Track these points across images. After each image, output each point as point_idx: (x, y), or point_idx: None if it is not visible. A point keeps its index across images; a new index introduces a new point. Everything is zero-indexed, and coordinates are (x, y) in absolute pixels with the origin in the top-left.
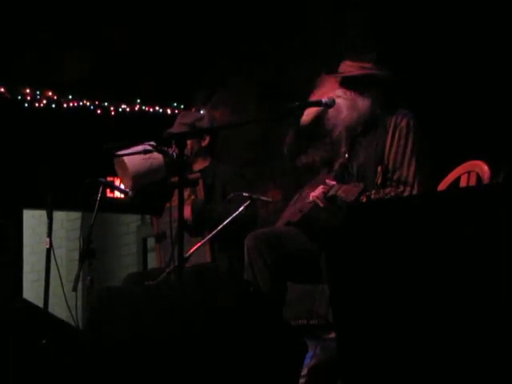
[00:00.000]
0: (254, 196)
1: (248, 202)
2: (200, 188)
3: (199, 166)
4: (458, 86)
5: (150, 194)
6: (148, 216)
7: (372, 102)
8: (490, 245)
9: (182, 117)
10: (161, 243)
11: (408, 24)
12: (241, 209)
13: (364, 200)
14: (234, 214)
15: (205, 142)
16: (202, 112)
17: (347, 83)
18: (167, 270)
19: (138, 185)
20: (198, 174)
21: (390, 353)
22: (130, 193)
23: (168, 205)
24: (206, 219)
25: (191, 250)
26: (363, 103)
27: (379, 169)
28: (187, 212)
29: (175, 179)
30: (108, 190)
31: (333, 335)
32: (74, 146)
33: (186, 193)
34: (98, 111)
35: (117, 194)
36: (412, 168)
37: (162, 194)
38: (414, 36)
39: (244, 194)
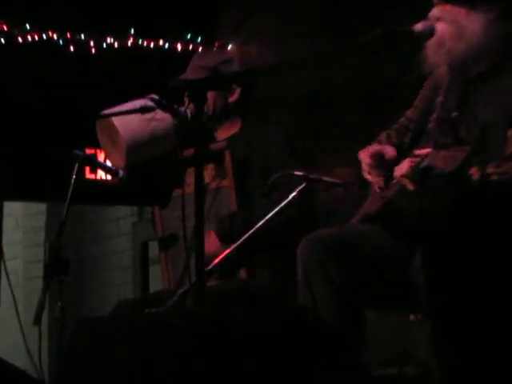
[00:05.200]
0: (311, 176)
1: (303, 186)
2: (228, 165)
3: (225, 133)
4: None
5: (151, 175)
6: (148, 209)
7: (487, 27)
8: None
9: (198, 57)
10: (168, 251)
11: None
12: (291, 196)
13: (476, 175)
14: (281, 205)
15: (233, 97)
16: (229, 49)
17: None
18: (179, 292)
19: (135, 160)
20: (225, 143)
21: None
22: (122, 173)
23: (179, 192)
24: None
25: (216, 261)
26: (472, 27)
27: (510, 132)
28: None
29: (189, 152)
30: (87, 169)
31: None
32: (33, 102)
33: (208, 172)
34: (71, 48)
35: (101, 174)
36: None
37: (170, 175)
38: None
39: (296, 174)
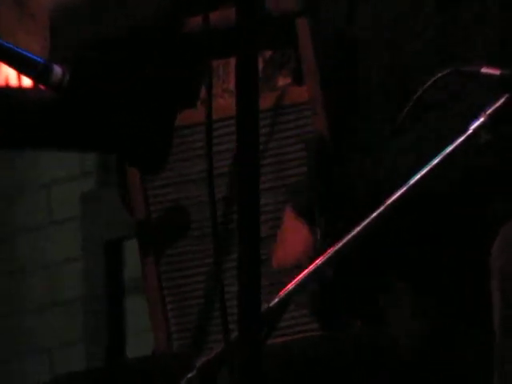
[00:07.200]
0: None
1: (501, 102)
2: (307, 54)
3: None
4: None
5: (122, 80)
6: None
7: None
8: None
9: None
10: (162, 258)
11: None
12: (474, 125)
13: None
14: (450, 148)
15: None
16: None
17: None
18: (199, 361)
19: (71, 40)
20: (294, 2)
21: None
22: (58, 70)
23: (191, 117)
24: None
25: (293, 282)
26: None
27: None
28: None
29: (218, 22)
30: None
31: None
32: None
33: (263, 72)
34: None
35: (7, 74)
36: None
37: (167, 82)
38: None
39: (484, 72)
